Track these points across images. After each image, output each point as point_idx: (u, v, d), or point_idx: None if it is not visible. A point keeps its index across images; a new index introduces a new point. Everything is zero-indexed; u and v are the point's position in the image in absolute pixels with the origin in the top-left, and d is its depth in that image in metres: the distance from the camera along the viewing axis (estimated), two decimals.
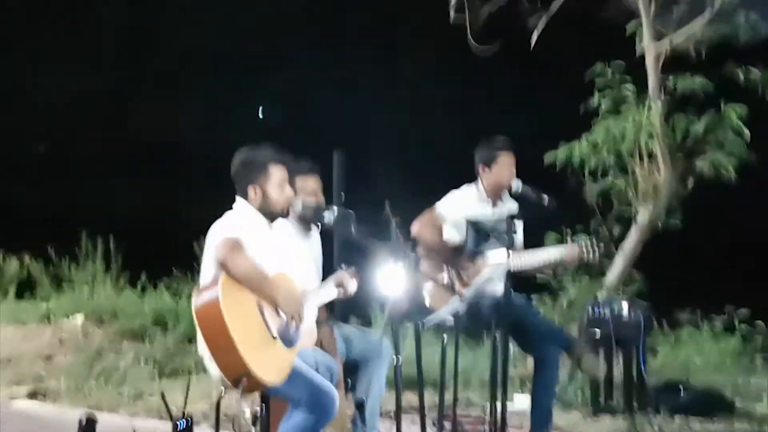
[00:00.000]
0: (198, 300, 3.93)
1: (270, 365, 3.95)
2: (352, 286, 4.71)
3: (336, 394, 4.20)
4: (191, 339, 8.20)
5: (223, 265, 3.94)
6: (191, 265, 9.05)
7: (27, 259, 11.28)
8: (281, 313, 4.08)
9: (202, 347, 4.00)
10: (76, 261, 10.82)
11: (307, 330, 4.30)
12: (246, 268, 3.93)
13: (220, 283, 3.88)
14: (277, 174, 4.30)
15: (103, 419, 5.79)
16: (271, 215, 4.32)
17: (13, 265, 11.48)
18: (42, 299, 10.53)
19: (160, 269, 10.36)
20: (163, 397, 5.96)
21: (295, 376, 4.10)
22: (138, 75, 14.91)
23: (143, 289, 10.18)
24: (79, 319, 8.95)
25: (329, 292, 4.60)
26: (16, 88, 14.69)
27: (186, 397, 5.94)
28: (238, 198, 4.34)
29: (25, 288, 11.12)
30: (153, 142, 13.84)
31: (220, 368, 3.90)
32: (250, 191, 4.28)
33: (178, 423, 5.55)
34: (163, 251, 10.56)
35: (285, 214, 4.41)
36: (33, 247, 11.31)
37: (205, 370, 7.20)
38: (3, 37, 13.73)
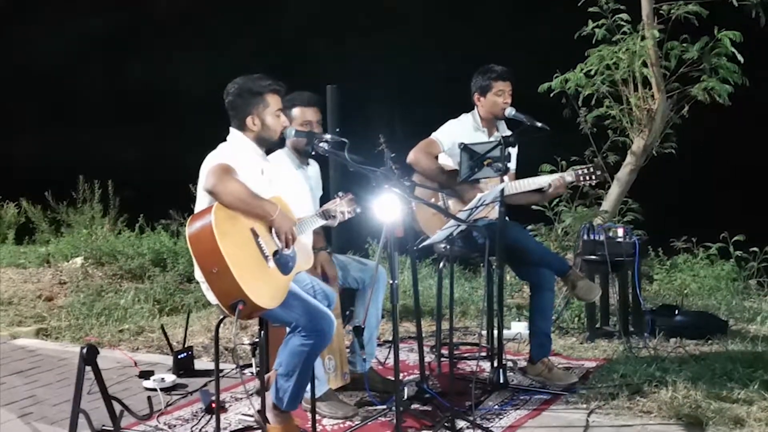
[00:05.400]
0: (191, 227, 3.95)
1: (265, 290, 3.97)
2: (344, 209, 4.71)
3: (333, 317, 4.24)
4: (190, 278, 8.28)
5: (213, 192, 3.95)
6: (188, 207, 9.06)
7: (25, 204, 11.33)
8: (275, 238, 4.11)
9: (198, 275, 4.03)
10: (74, 206, 10.87)
11: (304, 255, 4.33)
12: (236, 191, 3.94)
13: (213, 209, 3.90)
14: (273, 102, 4.32)
15: (105, 354, 5.89)
16: (266, 143, 4.34)
17: (11, 212, 11.55)
18: (41, 243, 10.60)
19: (157, 212, 10.41)
20: (162, 329, 6.06)
21: (291, 300, 4.13)
22: (133, 20, 14.80)
23: (141, 231, 10.22)
24: (78, 261, 9.00)
25: (321, 219, 4.62)
26: (12, 35, 14.62)
27: (186, 331, 6.05)
28: (232, 129, 4.34)
29: (24, 233, 11.19)
30: (149, 87, 13.79)
31: (216, 295, 3.93)
32: (249, 122, 4.29)
33: (178, 355, 5.66)
34: (160, 194, 10.58)
35: (279, 143, 4.43)
36: (31, 193, 11.36)
37: (204, 306, 7.38)
38: None
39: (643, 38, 7.48)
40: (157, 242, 9.41)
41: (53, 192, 10.94)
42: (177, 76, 13.56)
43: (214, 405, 4.49)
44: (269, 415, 4.33)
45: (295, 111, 4.99)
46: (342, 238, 7.34)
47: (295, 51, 13.01)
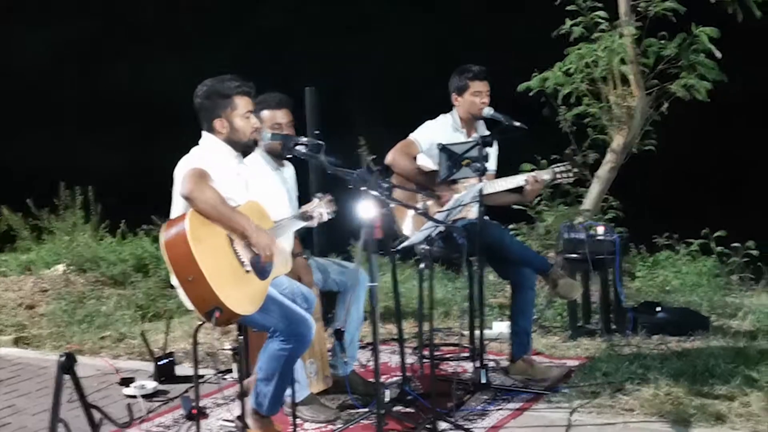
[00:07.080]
0: (166, 234, 3.92)
1: (242, 296, 3.94)
2: (323, 210, 4.68)
3: (312, 321, 4.22)
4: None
5: (189, 198, 3.92)
6: (170, 213, 9.01)
7: (5, 212, 11.22)
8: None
9: (174, 281, 3.99)
10: (56, 212, 10.77)
11: (282, 259, 4.30)
12: (212, 199, 3.91)
13: (188, 215, 3.87)
14: (242, 105, 4.27)
15: (86, 362, 5.85)
16: (238, 146, 4.30)
17: None
18: (22, 251, 10.50)
19: (138, 218, 10.33)
20: (143, 335, 6.02)
21: (269, 305, 4.11)
22: (112, 25, 14.72)
23: (123, 237, 10.15)
24: (60, 268, 8.94)
25: (300, 221, 4.60)
26: None
27: (166, 336, 6.02)
28: (204, 133, 4.31)
29: (5, 241, 11.07)
30: (130, 92, 13.72)
31: (192, 302, 3.89)
32: (217, 124, 4.25)
33: (159, 361, 5.62)
34: (142, 200, 10.50)
35: (253, 145, 4.39)
36: (11, 200, 11.24)
37: (186, 311, 7.33)
38: None
39: (621, 36, 7.50)
40: (139, 248, 9.36)
41: (34, 199, 10.84)
42: (157, 80, 13.48)
43: (194, 411, 4.47)
44: (249, 420, 4.31)
45: (265, 114, 4.91)
46: (324, 240, 7.31)
47: (275, 52, 12.97)
